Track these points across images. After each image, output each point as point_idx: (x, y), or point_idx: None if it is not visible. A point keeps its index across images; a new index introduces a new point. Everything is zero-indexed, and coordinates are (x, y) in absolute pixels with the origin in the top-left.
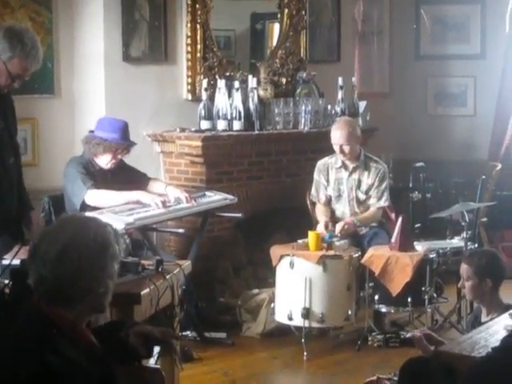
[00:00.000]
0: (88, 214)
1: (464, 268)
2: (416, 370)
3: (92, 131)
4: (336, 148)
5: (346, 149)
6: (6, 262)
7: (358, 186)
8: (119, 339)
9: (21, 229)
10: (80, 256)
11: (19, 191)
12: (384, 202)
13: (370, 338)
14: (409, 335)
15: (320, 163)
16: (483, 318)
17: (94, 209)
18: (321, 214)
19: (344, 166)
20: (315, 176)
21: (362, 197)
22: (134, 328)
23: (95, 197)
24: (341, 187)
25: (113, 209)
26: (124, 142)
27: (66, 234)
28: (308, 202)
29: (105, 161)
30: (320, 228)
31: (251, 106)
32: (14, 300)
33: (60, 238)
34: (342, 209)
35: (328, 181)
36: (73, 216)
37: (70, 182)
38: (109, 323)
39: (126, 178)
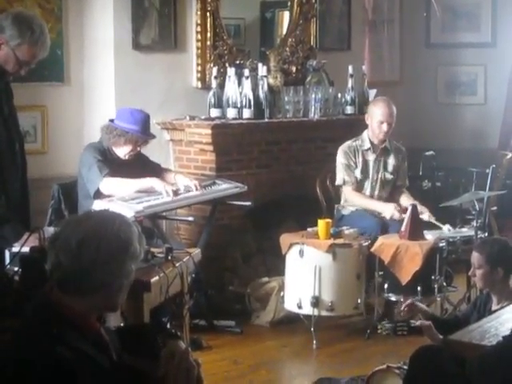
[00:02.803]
0: (98, 201)
1: (475, 256)
2: (426, 358)
3: (112, 120)
4: (381, 125)
5: (391, 127)
6: (15, 249)
7: (385, 168)
8: (153, 343)
9: (26, 216)
10: (99, 248)
11: (23, 179)
12: (407, 183)
13: (378, 327)
14: (417, 323)
15: (345, 147)
16: (494, 307)
17: (106, 196)
18: (364, 196)
19: (372, 148)
20: (342, 160)
21: (389, 177)
22: (171, 345)
23: (110, 185)
24: (367, 170)
25: (122, 197)
26: (145, 135)
27: (89, 224)
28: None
29: (124, 151)
30: (390, 210)
31: (261, 94)
32: (23, 288)
33: (83, 227)
34: (367, 192)
35: (356, 163)
36: (101, 210)
37: (86, 167)
38: (148, 324)
39: (141, 166)
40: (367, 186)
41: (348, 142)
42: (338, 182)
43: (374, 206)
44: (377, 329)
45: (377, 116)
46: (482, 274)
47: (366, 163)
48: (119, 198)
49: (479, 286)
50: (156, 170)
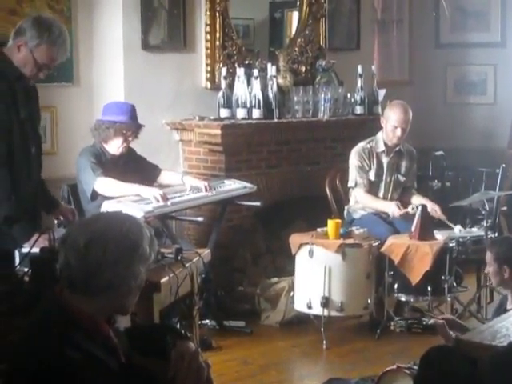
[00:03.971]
0: (107, 202)
1: (487, 254)
2: (437, 359)
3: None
4: (396, 130)
5: (405, 132)
6: (25, 250)
7: (398, 170)
8: (163, 344)
9: (37, 218)
10: (106, 248)
11: (39, 181)
12: (415, 184)
13: (392, 323)
14: (431, 322)
15: (359, 148)
16: (509, 306)
17: (105, 198)
18: (372, 197)
19: (387, 150)
20: (355, 162)
21: (401, 179)
22: (181, 346)
23: (104, 184)
24: (381, 172)
25: (131, 197)
26: (133, 122)
27: (98, 224)
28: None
29: (116, 145)
30: (391, 208)
31: (270, 95)
32: (33, 289)
33: (92, 228)
34: (380, 194)
35: (370, 166)
36: (112, 211)
37: (81, 171)
38: (158, 325)
39: (136, 168)
40: (381, 187)
41: (362, 144)
42: (350, 183)
43: (379, 206)
44: (387, 328)
45: (392, 121)
46: (492, 272)
47: (380, 165)
48: (128, 198)
49: (494, 285)
50: (154, 171)
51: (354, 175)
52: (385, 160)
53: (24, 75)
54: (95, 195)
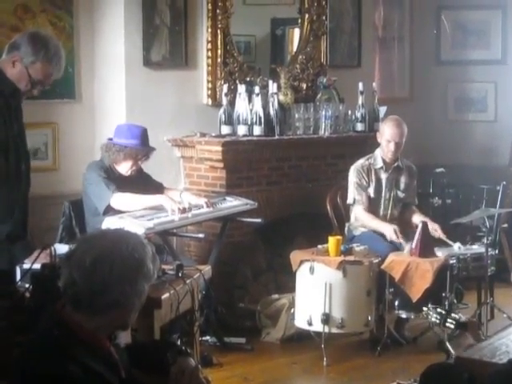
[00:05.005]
0: (109, 218)
1: None
2: (437, 376)
3: (110, 139)
4: (389, 144)
5: (399, 146)
6: (26, 266)
7: (397, 186)
8: (163, 360)
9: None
10: (113, 267)
11: (25, 199)
12: (416, 200)
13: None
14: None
15: (358, 165)
16: None
17: (115, 212)
18: (371, 216)
19: (385, 166)
20: (354, 179)
21: (401, 196)
22: (181, 362)
23: (121, 200)
24: (380, 188)
25: (133, 213)
26: (144, 147)
27: (104, 242)
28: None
29: (125, 168)
30: (389, 231)
31: (271, 111)
32: (34, 305)
33: (98, 246)
34: (380, 211)
35: (369, 182)
36: (116, 229)
37: (93, 185)
38: (158, 341)
39: (144, 185)
40: (380, 204)
41: (361, 161)
42: (349, 200)
43: (376, 226)
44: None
45: (385, 135)
46: None
47: (379, 182)
48: (130, 214)
49: None
50: (159, 189)
51: (352, 192)
52: (383, 176)
53: (17, 90)
54: (108, 210)
